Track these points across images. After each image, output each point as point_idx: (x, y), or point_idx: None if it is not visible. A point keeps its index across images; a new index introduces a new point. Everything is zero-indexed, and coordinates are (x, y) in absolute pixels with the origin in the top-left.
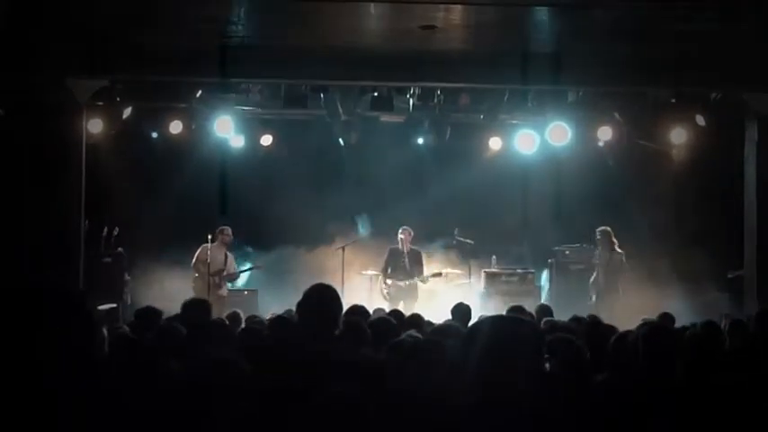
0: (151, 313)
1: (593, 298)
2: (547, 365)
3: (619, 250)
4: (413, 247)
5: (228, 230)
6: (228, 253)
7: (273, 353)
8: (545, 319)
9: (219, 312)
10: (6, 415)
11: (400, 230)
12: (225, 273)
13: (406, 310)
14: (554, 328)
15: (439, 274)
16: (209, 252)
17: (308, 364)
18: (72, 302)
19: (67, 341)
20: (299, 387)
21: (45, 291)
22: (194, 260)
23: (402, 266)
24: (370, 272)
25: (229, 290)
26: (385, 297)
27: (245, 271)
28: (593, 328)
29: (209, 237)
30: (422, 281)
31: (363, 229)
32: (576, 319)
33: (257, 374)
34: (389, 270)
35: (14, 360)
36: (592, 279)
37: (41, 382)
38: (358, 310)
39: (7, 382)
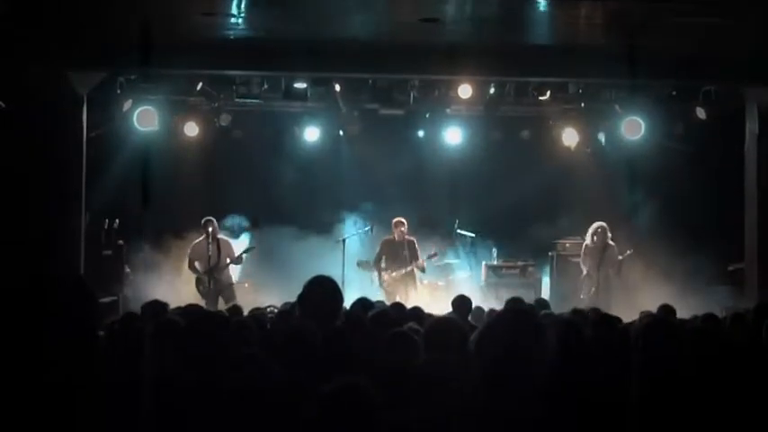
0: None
1: (592, 291)
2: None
3: (611, 243)
4: (408, 237)
5: (213, 220)
6: (222, 239)
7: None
8: (543, 312)
9: (228, 301)
10: (10, 406)
11: (394, 222)
12: (222, 265)
13: (405, 299)
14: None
15: (435, 255)
16: (208, 246)
17: (312, 357)
18: (76, 289)
19: (72, 329)
20: (304, 379)
21: (49, 279)
22: (187, 262)
23: (401, 257)
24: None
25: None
26: (386, 289)
27: (242, 254)
28: (599, 319)
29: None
30: (420, 268)
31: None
32: (578, 312)
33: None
34: (384, 261)
35: (20, 349)
36: (583, 275)
37: (46, 370)
38: (365, 303)
39: (13, 371)
